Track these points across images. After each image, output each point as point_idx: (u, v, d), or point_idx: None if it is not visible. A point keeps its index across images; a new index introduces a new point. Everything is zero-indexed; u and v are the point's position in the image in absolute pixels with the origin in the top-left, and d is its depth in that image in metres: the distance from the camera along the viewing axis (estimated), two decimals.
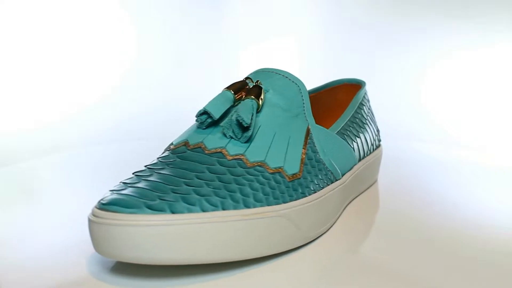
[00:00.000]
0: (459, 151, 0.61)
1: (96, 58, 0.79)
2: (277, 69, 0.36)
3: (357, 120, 0.40)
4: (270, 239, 0.27)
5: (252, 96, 0.31)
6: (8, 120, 0.68)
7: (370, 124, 0.42)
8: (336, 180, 0.34)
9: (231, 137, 0.29)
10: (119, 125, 0.72)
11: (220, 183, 0.27)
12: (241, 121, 0.29)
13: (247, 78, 0.34)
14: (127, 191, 0.26)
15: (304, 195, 0.30)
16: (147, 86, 0.82)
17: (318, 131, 0.33)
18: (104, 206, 0.25)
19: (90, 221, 0.25)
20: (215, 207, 0.25)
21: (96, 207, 0.25)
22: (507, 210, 0.39)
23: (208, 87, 0.82)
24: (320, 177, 0.32)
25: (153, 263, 0.24)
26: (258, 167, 0.29)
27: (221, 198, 0.26)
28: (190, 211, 0.25)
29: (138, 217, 0.24)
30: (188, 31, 0.86)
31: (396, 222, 0.35)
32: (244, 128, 0.29)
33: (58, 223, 0.35)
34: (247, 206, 0.27)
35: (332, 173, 0.33)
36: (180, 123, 0.74)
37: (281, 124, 0.31)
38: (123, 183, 0.27)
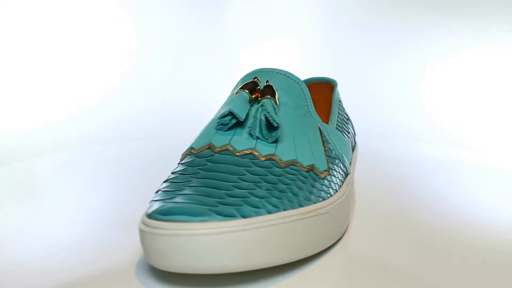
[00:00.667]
0: (459, 151, 0.61)
1: (96, 58, 0.79)
2: (278, 69, 0.36)
3: (342, 117, 0.41)
4: (321, 236, 0.27)
5: (269, 96, 0.31)
6: (8, 120, 0.68)
7: (350, 121, 0.43)
8: (347, 174, 0.34)
9: (257, 138, 0.29)
10: (119, 125, 0.72)
11: (268, 184, 0.26)
12: (272, 121, 0.28)
13: (254, 77, 0.33)
14: (180, 199, 0.24)
15: (335, 190, 0.30)
16: (147, 86, 0.82)
17: (326, 128, 0.34)
18: (167, 216, 0.23)
19: (150, 234, 0.23)
20: (277, 208, 0.25)
21: (152, 218, 0.23)
22: (507, 210, 0.39)
23: (208, 87, 0.82)
24: (340, 172, 0.32)
25: (225, 271, 0.23)
26: (292, 166, 0.29)
27: (278, 198, 0.26)
28: (257, 214, 0.24)
29: (211, 225, 0.22)
30: (188, 31, 0.86)
31: (395, 222, 0.35)
32: (272, 128, 0.29)
33: (58, 223, 0.35)
34: (300, 205, 0.26)
35: (346, 167, 0.34)
36: (180, 123, 0.74)
37: (296, 123, 0.31)
38: (166, 191, 0.25)
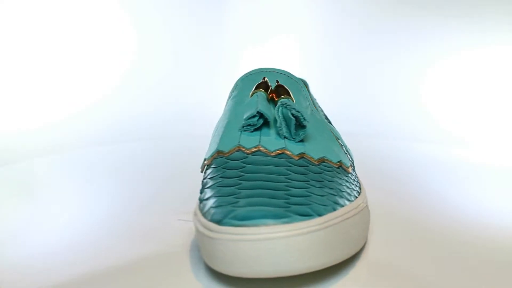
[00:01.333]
0: (460, 151, 0.61)
1: (96, 58, 0.79)
2: (277, 68, 0.36)
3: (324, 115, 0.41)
4: (366, 228, 0.28)
5: (285, 96, 0.31)
6: (8, 120, 0.68)
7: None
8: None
9: (285, 137, 0.29)
10: (119, 125, 0.72)
11: (315, 181, 0.26)
12: (302, 120, 0.29)
13: (264, 78, 0.34)
14: (245, 202, 0.23)
15: (359, 184, 0.31)
16: (147, 86, 0.82)
17: (329, 125, 0.34)
18: (246, 221, 0.22)
19: (232, 241, 0.22)
20: (337, 204, 0.25)
21: (227, 225, 0.22)
22: (507, 209, 0.39)
23: (208, 87, 0.82)
24: (353, 167, 0.33)
25: (310, 270, 0.23)
26: (324, 163, 0.29)
27: (333, 195, 0.26)
28: (327, 211, 0.24)
29: (296, 226, 0.22)
30: (188, 31, 0.86)
31: (395, 222, 0.35)
32: (300, 127, 0.29)
33: (58, 223, 0.35)
34: (349, 200, 0.26)
35: (353, 162, 0.34)
36: (180, 123, 0.74)
37: (309, 121, 0.31)
38: (220, 196, 0.25)
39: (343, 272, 0.27)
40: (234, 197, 0.24)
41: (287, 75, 0.35)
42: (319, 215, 0.23)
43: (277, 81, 0.33)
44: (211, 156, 0.29)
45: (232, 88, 0.37)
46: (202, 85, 0.82)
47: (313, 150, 0.29)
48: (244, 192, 0.24)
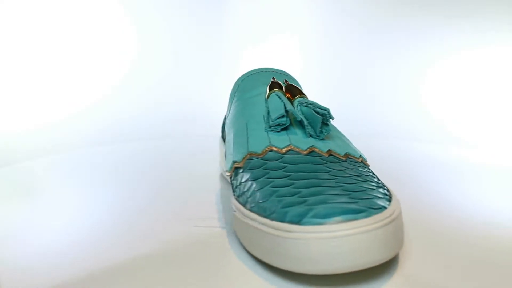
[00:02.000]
0: (460, 150, 0.61)
1: (96, 58, 0.79)
2: (275, 68, 0.36)
3: None
4: None
5: (300, 94, 0.32)
6: (8, 120, 0.68)
7: None
8: None
9: (310, 135, 0.30)
10: (119, 125, 0.72)
11: (356, 176, 0.27)
12: (329, 118, 0.30)
13: (273, 78, 0.34)
14: (315, 200, 0.24)
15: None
16: (147, 86, 0.82)
17: None
18: (327, 219, 0.22)
19: (322, 239, 0.22)
20: (386, 196, 0.26)
21: (309, 224, 0.22)
22: (507, 209, 0.39)
23: (208, 87, 0.82)
24: None
25: (386, 260, 0.24)
26: (350, 159, 0.29)
27: (377, 188, 0.27)
28: (389, 204, 0.25)
29: (376, 218, 0.23)
30: (188, 31, 0.86)
31: None
32: (324, 125, 0.30)
33: (58, 223, 0.35)
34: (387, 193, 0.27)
35: None
36: (180, 123, 0.74)
37: None
38: (282, 197, 0.24)
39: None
40: (298, 197, 0.24)
41: (286, 75, 0.36)
42: (384, 207, 0.24)
43: (286, 81, 0.34)
44: (243, 158, 0.29)
45: (233, 89, 0.37)
46: (202, 85, 0.82)
47: (337, 146, 0.30)
48: (304, 191, 0.25)
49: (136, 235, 0.33)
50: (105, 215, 0.37)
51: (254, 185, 0.27)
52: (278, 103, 0.31)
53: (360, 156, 0.30)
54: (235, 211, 0.28)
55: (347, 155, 0.30)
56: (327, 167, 0.27)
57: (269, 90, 0.33)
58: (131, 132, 0.70)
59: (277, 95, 0.32)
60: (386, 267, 0.27)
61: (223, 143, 0.41)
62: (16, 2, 0.71)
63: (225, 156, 0.33)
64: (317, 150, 0.29)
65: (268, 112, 0.31)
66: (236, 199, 0.28)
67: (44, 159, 0.55)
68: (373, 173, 0.30)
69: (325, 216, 0.22)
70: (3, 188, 0.46)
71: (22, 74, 0.72)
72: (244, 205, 0.27)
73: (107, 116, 0.74)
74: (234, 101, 0.36)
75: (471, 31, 0.74)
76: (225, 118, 0.42)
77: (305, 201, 0.24)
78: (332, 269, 0.22)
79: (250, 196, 0.27)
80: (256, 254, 0.26)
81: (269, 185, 0.26)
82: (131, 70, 0.82)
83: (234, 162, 0.30)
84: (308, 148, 0.29)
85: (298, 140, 0.29)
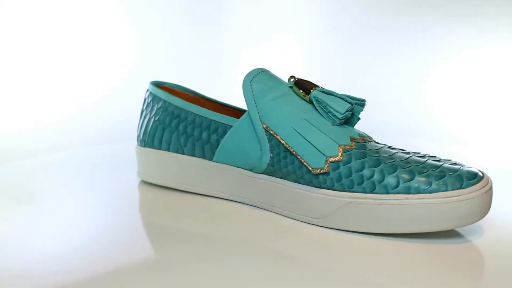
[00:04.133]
0: (459, 149, 0.61)
1: (96, 58, 0.79)
2: (263, 68, 0.38)
3: None
4: None
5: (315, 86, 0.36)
6: (8, 120, 0.68)
7: None
8: None
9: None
10: (119, 125, 0.71)
11: (413, 154, 0.33)
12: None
13: (291, 77, 0.37)
14: (440, 170, 0.31)
15: None
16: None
17: None
18: (472, 180, 0.30)
19: (474, 198, 0.29)
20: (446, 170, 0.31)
21: (468, 186, 0.30)
22: (507, 210, 0.39)
23: (208, 87, 0.82)
24: None
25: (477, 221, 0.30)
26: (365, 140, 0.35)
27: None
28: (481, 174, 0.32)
29: (479, 185, 0.30)
30: (188, 31, 0.86)
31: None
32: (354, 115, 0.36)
33: (57, 223, 0.35)
34: None
35: None
36: None
37: None
38: (422, 174, 0.30)
39: (340, 271, 0.27)
40: (427, 173, 0.31)
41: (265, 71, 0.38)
42: (482, 174, 0.31)
43: (294, 77, 0.37)
44: (338, 152, 0.32)
45: (251, 90, 0.36)
46: (202, 85, 0.82)
47: (352, 132, 0.35)
48: (416, 167, 0.31)
49: (136, 235, 0.33)
50: (105, 214, 0.36)
51: (373, 171, 0.31)
52: (337, 98, 0.34)
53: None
54: (351, 202, 0.32)
55: (362, 137, 0.34)
56: (392, 150, 0.33)
57: (302, 89, 0.35)
58: (131, 132, 0.70)
59: (322, 91, 0.35)
60: (385, 266, 0.27)
61: (144, 148, 0.44)
62: (16, 2, 0.71)
63: (298, 153, 0.33)
64: (368, 139, 0.35)
65: (326, 109, 0.34)
66: (349, 190, 0.32)
67: (44, 159, 0.55)
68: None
69: (460, 182, 0.30)
70: (2, 188, 0.46)
71: (22, 74, 0.72)
72: (371, 191, 0.31)
73: (107, 116, 0.73)
74: (266, 101, 0.35)
75: (471, 31, 0.74)
76: (144, 122, 0.44)
77: (428, 174, 0.30)
78: (466, 222, 0.30)
79: (376, 182, 0.31)
80: (392, 229, 0.31)
81: (400, 166, 0.31)
82: (131, 70, 0.81)
83: (328, 157, 0.32)
84: (365, 136, 0.35)
85: (354, 130, 0.35)
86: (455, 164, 0.32)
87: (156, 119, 0.41)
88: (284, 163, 0.34)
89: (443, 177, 0.30)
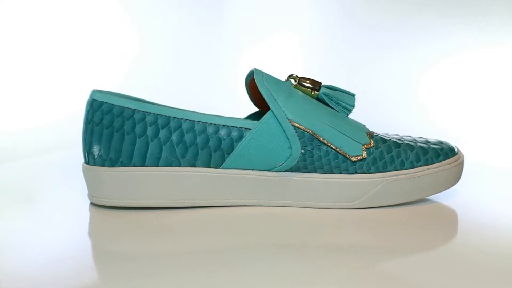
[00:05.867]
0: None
1: (96, 59, 0.79)
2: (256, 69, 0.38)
3: None
4: None
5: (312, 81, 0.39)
6: (8, 120, 0.68)
7: None
8: None
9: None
10: None
11: (408, 138, 0.40)
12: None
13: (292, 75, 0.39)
14: (438, 142, 0.40)
15: None
16: (147, 86, 0.81)
17: None
18: (454, 152, 0.39)
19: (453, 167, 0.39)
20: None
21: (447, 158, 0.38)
22: (507, 210, 0.39)
23: (208, 87, 0.82)
24: None
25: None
26: None
27: None
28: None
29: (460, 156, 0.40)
30: (188, 31, 0.86)
31: (394, 222, 0.35)
32: None
33: (57, 222, 0.35)
34: None
35: None
36: None
37: None
38: (418, 145, 0.38)
39: (338, 268, 0.27)
40: (431, 148, 0.39)
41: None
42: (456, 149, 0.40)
43: (293, 75, 0.38)
44: (369, 139, 0.37)
45: (268, 90, 0.36)
46: (202, 85, 0.82)
47: None
48: (421, 144, 0.39)
49: (138, 234, 0.32)
50: (105, 214, 0.36)
51: (399, 151, 0.38)
52: (343, 92, 0.38)
53: None
54: (387, 180, 0.37)
55: None
56: (389, 134, 0.41)
57: (309, 87, 0.38)
58: None
59: (327, 87, 0.38)
60: (382, 267, 0.27)
61: (113, 168, 0.36)
62: (16, 2, 0.71)
63: (335, 145, 0.36)
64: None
65: (338, 103, 0.38)
66: (383, 171, 0.37)
67: (44, 159, 0.55)
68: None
69: (450, 153, 0.39)
70: (2, 188, 0.46)
71: (22, 74, 0.72)
72: (407, 168, 0.37)
73: None
74: (280, 103, 0.36)
75: (471, 30, 0.74)
76: (87, 129, 0.37)
77: (432, 148, 0.38)
78: (452, 184, 0.39)
79: (404, 159, 0.37)
80: (428, 194, 0.38)
81: (402, 146, 0.38)
82: (131, 70, 0.81)
83: (363, 144, 0.37)
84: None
85: (354, 122, 0.39)
86: (427, 140, 0.40)
87: (131, 133, 0.36)
88: (318, 157, 0.36)
89: (442, 149, 0.38)
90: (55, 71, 0.75)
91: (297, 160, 0.36)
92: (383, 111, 0.75)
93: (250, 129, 0.36)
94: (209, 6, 0.87)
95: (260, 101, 0.41)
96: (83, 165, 0.37)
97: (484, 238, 0.32)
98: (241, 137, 0.36)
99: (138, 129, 0.36)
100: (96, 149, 0.36)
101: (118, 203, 0.36)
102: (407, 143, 0.38)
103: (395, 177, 0.37)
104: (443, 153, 0.38)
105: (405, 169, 0.37)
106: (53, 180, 0.48)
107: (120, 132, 0.36)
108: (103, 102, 0.37)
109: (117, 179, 0.36)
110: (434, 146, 0.38)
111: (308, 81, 0.38)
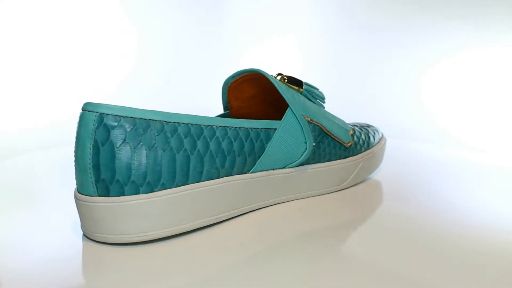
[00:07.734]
0: (460, 151, 0.61)
1: (97, 59, 0.79)
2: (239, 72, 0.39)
3: None
4: None
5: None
6: (8, 120, 0.68)
7: None
8: None
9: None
10: None
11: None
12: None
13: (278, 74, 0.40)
14: None
15: None
16: (147, 86, 0.82)
17: None
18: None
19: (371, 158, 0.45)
20: None
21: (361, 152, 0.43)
22: (508, 211, 0.39)
23: (208, 87, 0.82)
24: None
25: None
26: None
27: None
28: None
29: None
30: (188, 31, 0.86)
31: (394, 222, 0.35)
32: None
33: (57, 222, 0.35)
34: None
35: None
36: None
37: None
38: (368, 129, 0.46)
39: (336, 269, 0.27)
40: (373, 130, 0.47)
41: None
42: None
43: (282, 74, 0.38)
44: (350, 127, 0.43)
45: (283, 88, 0.36)
46: (202, 85, 0.82)
47: None
48: (367, 128, 0.47)
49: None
50: None
51: (370, 134, 0.45)
52: (317, 90, 0.40)
53: None
54: (363, 160, 0.43)
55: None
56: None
57: (296, 84, 0.38)
58: None
59: (305, 83, 0.39)
60: (380, 266, 0.27)
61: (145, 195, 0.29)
62: (16, 2, 0.71)
63: (335, 134, 0.40)
64: None
65: (314, 97, 0.40)
66: (360, 152, 0.43)
67: (43, 159, 0.55)
68: None
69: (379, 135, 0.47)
70: (2, 188, 0.46)
71: (22, 74, 0.72)
72: (372, 147, 0.44)
73: None
74: (295, 99, 0.37)
75: (471, 30, 0.74)
76: (99, 152, 0.27)
77: (374, 130, 0.47)
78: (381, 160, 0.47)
79: (365, 142, 0.44)
80: (378, 165, 0.46)
81: (367, 130, 0.46)
82: (131, 70, 0.82)
83: (352, 135, 0.42)
84: None
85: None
86: (360, 123, 0.47)
87: (167, 149, 0.29)
88: (324, 147, 0.39)
89: (378, 131, 0.47)
90: (55, 71, 0.75)
91: (310, 153, 0.37)
92: (383, 111, 0.75)
93: (274, 129, 0.36)
94: (209, 6, 0.87)
95: (235, 104, 0.41)
96: (89, 199, 0.28)
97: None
98: (268, 138, 0.35)
99: (173, 143, 0.30)
100: (120, 175, 0.28)
101: (159, 234, 0.29)
102: (365, 128, 0.45)
103: (368, 155, 0.43)
104: (378, 133, 0.46)
105: (371, 148, 0.44)
106: (53, 180, 0.48)
107: (153, 150, 0.29)
108: (119, 116, 0.28)
109: (162, 206, 0.29)
110: (372, 128, 0.46)
111: (293, 79, 0.39)
